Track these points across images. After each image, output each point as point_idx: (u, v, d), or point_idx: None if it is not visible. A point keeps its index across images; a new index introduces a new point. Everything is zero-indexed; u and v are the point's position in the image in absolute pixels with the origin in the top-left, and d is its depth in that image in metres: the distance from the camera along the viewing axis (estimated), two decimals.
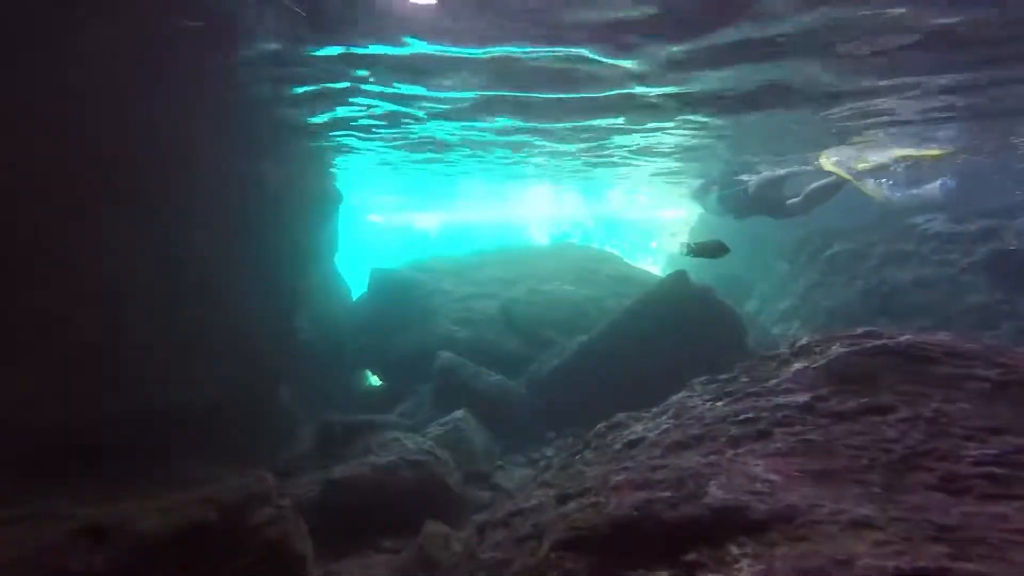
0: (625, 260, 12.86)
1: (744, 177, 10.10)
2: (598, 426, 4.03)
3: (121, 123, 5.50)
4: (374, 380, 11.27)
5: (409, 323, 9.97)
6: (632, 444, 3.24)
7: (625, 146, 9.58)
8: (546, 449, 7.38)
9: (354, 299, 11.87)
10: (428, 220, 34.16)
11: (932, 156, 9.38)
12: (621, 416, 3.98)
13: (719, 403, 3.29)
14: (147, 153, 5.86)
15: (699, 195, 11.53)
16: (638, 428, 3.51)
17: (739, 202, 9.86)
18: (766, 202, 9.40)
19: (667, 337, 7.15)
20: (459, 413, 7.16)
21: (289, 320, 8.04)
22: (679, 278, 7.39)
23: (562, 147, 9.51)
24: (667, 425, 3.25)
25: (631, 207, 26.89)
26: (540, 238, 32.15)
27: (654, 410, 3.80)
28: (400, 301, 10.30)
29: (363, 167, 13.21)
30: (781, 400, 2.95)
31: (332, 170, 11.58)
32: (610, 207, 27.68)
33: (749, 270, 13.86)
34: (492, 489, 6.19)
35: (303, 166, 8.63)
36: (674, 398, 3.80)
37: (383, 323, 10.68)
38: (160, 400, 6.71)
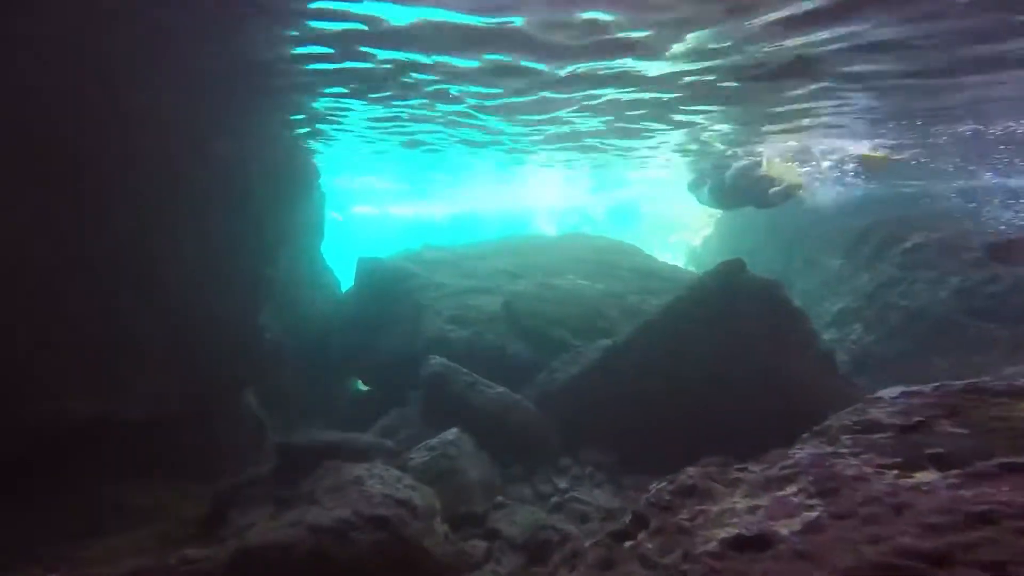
0: (646, 253, 11.40)
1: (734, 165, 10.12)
2: (657, 487, 2.63)
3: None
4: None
5: (398, 320, 8.62)
6: (740, 545, 1.81)
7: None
8: (559, 479, 5.98)
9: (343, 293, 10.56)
10: (428, 210, 32.75)
11: (880, 159, 9.32)
12: (693, 475, 2.60)
13: (931, 477, 1.83)
14: (59, 112, 4.57)
15: (694, 188, 11.67)
16: (737, 504, 2.09)
17: (723, 193, 10.13)
18: (746, 192, 9.53)
19: (718, 345, 5.71)
20: (451, 434, 5.79)
21: (251, 316, 6.71)
22: (734, 268, 5.92)
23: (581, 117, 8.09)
24: (816, 513, 1.83)
25: (648, 197, 25.35)
26: (548, 230, 30.68)
27: (753, 469, 2.39)
28: (388, 295, 8.94)
29: (354, 150, 11.87)
30: None
31: (309, 146, 10.16)
32: (625, 195, 26.17)
33: (784, 267, 12.33)
34: (488, 537, 4.82)
35: (267, 140, 7.26)
36: (800, 454, 2.37)
37: (369, 320, 9.33)
38: (83, 412, 5.44)
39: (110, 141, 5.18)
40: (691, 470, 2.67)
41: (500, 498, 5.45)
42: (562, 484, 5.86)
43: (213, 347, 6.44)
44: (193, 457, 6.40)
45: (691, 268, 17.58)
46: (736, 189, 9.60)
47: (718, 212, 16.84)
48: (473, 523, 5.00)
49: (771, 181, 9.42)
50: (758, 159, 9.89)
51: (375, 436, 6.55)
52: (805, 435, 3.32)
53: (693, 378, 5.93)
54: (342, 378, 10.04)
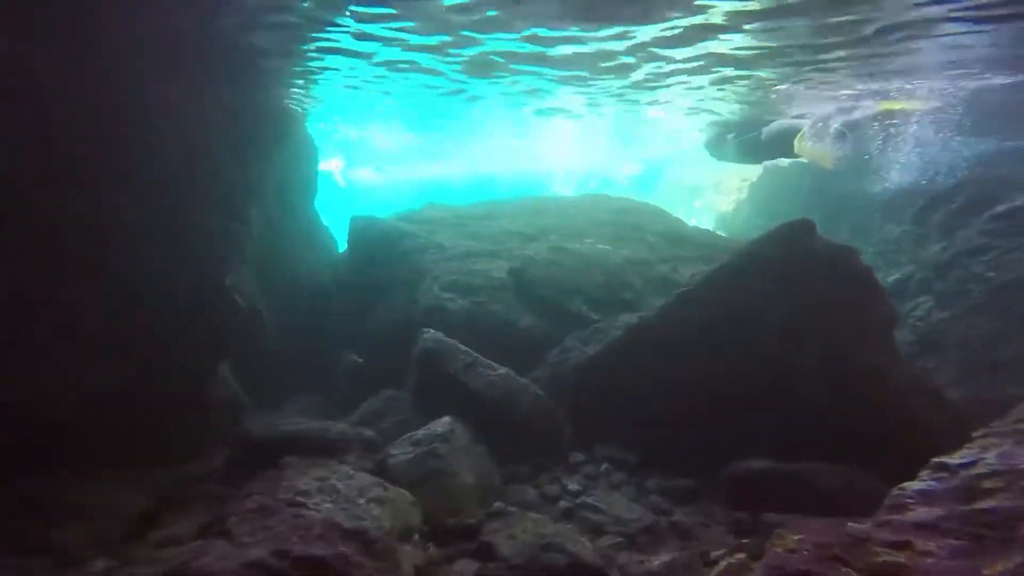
0: (675, 216, 10.07)
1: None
2: None
3: None
4: None
5: (392, 287, 7.60)
6: None
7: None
8: (569, 479, 5.01)
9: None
10: (441, 172, 31.38)
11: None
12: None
13: None
14: None
15: (714, 144, 11.48)
16: None
17: (756, 147, 10.19)
18: (782, 146, 9.53)
19: (774, 325, 4.54)
20: (441, 424, 4.83)
21: (215, 278, 5.73)
22: (801, 230, 4.66)
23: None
24: None
25: (673, 159, 23.55)
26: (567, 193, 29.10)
27: None
28: (382, 258, 7.90)
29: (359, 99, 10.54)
30: None
31: (285, 89, 8.87)
32: (648, 155, 24.40)
33: (832, 231, 10.89)
34: (480, 556, 3.88)
35: (225, 82, 6.02)
36: None
37: (363, 286, 8.34)
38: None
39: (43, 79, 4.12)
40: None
41: (498, 503, 4.50)
42: (573, 486, 4.89)
43: (167, 315, 5.51)
44: (156, 442, 5.59)
45: (721, 233, 16.17)
46: (773, 144, 9.57)
47: (752, 176, 15.27)
48: (464, 536, 4.07)
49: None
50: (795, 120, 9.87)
51: (356, 422, 5.64)
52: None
53: (738, 364, 4.81)
54: (340, 348, 9.17)
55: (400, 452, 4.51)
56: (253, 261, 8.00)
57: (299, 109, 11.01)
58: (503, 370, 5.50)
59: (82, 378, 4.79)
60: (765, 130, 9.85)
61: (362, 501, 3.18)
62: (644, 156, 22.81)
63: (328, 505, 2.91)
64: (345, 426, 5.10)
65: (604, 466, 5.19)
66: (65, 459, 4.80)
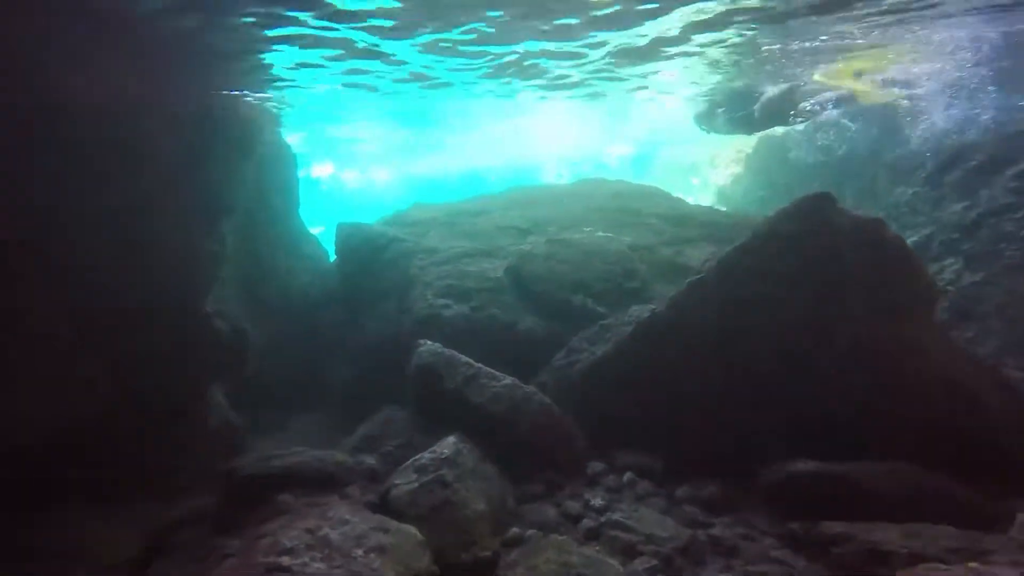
0: (674, 196, 9.60)
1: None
2: None
3: None
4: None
5: (383, 296, 7.15)
6: None
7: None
8: (591, 493, 4.60)
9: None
10: (428, 166, 30.78)
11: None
12: None
13: None
14: None
15: (704, 118, 11.37)
16: None
17: (750, 122, 10.18)
18: (777, 115, 9.65)
19: (801, 311, 4.11)
20: (447, 446, 4.42)
21: (193, 303, 5.29)
22: (821, 204, 4.20)
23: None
24: None
25: (664, 141, 23.04)
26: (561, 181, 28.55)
27: None
28: (370, 266, 7.45)
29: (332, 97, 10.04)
30: None
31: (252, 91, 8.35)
32: (639, 138, 23.92)
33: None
34: None
35: (182, 89, 5.52)
36: None
37: (352, 296, 7.91)
38: None
39: None
40: None
41: (515, 529, 4.11)
42: (596, 500, 4.49)
43: (146, 343, 5.08)
44: (145, 473, 5.20)
45: (721, 208, 15.71)
46: (768, 115, 9.56)
47: (748, 146, 14.79)
48: (479, 571, 3.69)
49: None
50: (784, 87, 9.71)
51: (357, 447, 5.22)
52: None
53: (763, 355, 4.39)
54: (335, 362, 8.74)
55: (404, 482, 4.09)
56: (235, 279, 7.56)
57: (273, 112, 10.51)
58: (507, 380, 5.07)
59: (57, 405, 4.38)
60: (759, 105, 9.68)
61: (360, 553, 2.77)
62: (636, 137, 22.28)
63: (318, 566, 2.49)
64: (344, 456, 4.68)
65: (627, 475, 4.78)
66: (48, 493, 4.41)
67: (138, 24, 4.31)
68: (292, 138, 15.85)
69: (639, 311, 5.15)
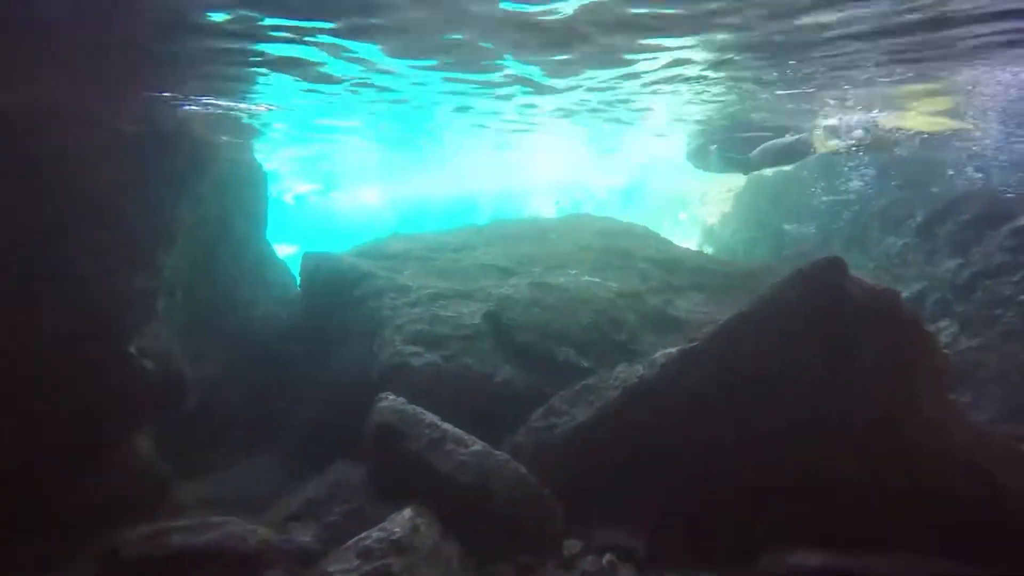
0: (663, 236, 9.38)
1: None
2: None
3: None
4: None
5: (349, 337, 6.64)
6: None
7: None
8: None
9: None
10: (414, 188, 30.54)
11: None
12: None
13: None
14: None
15: (697, 155, 11.11)
16: None
17: (746, 164, 9.75)
18: (778, 163, 9.45)
19: (808, 383, 3.75)
20: (399, 524, 3.90)
21: (116, 344, 4.71)
22: (832, 273, 3.87)
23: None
24: None
25: (654, 172, 23.22)
26: (547, 212, 28.50)
27: None
28: (338, 303, 6.95)
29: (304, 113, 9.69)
30: None
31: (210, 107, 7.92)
32: (629, 169, 24.09)
33: (820, 247, 10.38)
34: None
35: (112, 103, 5.06)
36: None
37: (317, 334, 7.37)
38: None
39: None
40: None
41: None
42: None
43: (54, 390, 4.49)
44: (40, 535, 4.50)
45: (707, 248, 15.60)
46: (767, 160, 9.16)
47: (738, 185, 14.83)
48: None
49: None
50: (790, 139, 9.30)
51: (297, 511, 4.64)
52: None
53: (765, 432, 4.00)
54: (295, 401, 8.11)
55: (341, 569, 3.54)
56: (185, 310, 6.98)
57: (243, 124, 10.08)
58: (477, 446, 4.58)
59: None
60: (760, 150, 9.20)
61: None
62: (626, 169, 22.43)
63: None
64: (268, 532, 4.09)
65: (607, 557, 4.30)
66: None
67: (67, 25, 3.88)
68: (267, 152, 15.43)
69: (626, 373, 4.75)
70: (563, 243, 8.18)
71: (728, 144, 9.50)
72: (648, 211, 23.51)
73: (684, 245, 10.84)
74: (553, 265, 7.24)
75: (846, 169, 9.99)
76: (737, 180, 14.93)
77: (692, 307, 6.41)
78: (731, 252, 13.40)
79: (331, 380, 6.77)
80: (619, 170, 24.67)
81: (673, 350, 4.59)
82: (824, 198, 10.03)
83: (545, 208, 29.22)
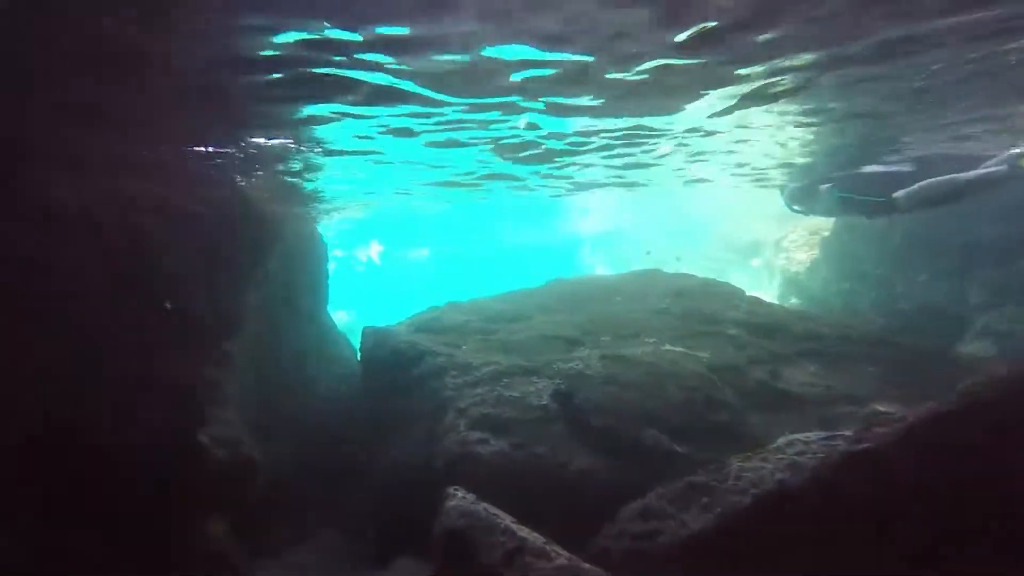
0: (752, 296, 8.56)
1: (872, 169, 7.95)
2: None
3: None
4: None
5: (409, 420, 6.30)
6: None
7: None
8: None
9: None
10: (463, 246, 31.29)
11: None
12: None
13: None
14: None
15: (801, 197, 9.13)
16: None
17: (883, 208, 7.44)
18: (933, 204, 6.92)
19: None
20: None
21: (186, 438, 4.61)
22: None
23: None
24: None
25: (718, 216, 22.42)
26: (600, 267, 28.07)
27: None
28: (398, 382, 6.69)
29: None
30: None
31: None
32: (685, 216, 23.44)
33: (951, 299, 9.05)
34: None
35: (181, 181, 5.28)
36: None
37: (377, 414, 7.11)
38: None
39: None
40: None
41: None
42: None
43: (127, 485, 4.39)
44: None
45: (792, 301, 14.35)
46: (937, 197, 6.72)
47: (823, 228, 13.72)
48: None
49: None
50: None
51: None
52: None
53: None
54: (358, 482, 7.82)
55: None
56: (249, 392, 7.01)
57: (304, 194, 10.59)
58: (562, 559, 3.91)
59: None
60: (916, 189, 6.82)
61: None
62: (687, 213, 21.76)
63: None
64: None
65: None
66: None
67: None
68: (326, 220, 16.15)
69: (753, 473, 3.99)
70: (633, 306, 7.63)
71: (847, 183, 7.73)
72: (713, 258, 22.46)
73: (763, 297, 9.84)
74: (625, 333, 6.67)
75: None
76: (822, 222, 13.87)
77: (806, 379, 5.58)
78: (823, 305, 12.18)
79: (394, 464, 6.42)
80: (680, 214, 24.03)
81: (811, 439, 3.84)
82: (960, 239, 8.74)
83: (598, 264, 28.75)
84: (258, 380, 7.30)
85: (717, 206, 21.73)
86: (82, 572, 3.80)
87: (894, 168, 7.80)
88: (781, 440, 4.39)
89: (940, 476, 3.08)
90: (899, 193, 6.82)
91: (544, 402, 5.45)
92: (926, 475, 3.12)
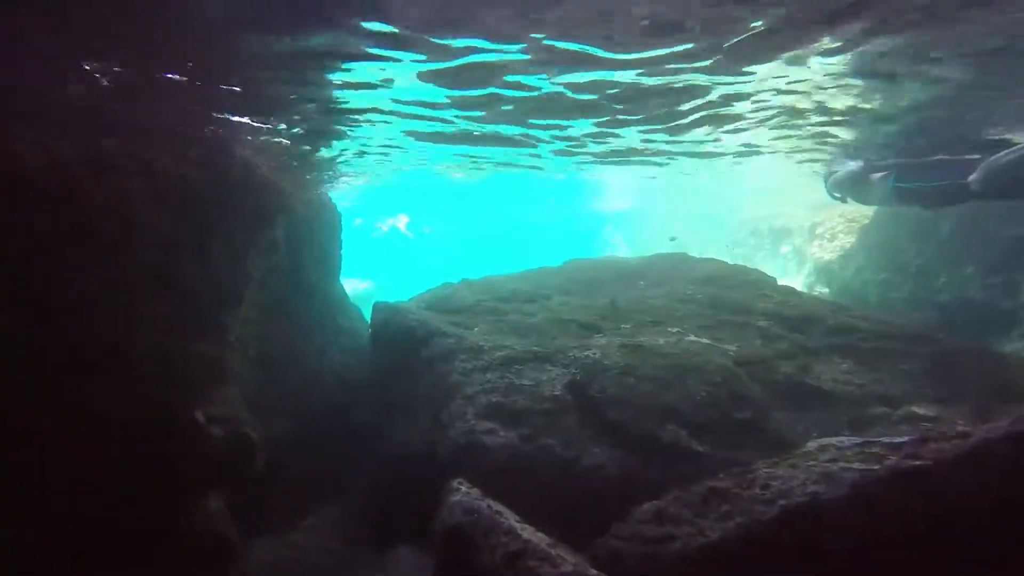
0: (783, 285, 8.06)
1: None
2: None
3: None
4: None
5: (415, 403, 6.11)
6: None
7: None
8: None
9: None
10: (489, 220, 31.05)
11: None
12: None
13: None
14: None
15: (851, 184, 8.24)
16: None
17: (954, 195, 6.48)
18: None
19: None
20: None
21: (184, 417, 4.48)
22: None
23: None
24: None
25: (752, 199, 21.56)
26: (621, 248, 27.44)
27: None
28: (406, 362, 6.48)
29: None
30: None
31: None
32: (711, 198, 22.65)
33: (991, 295, 8.43)
34: None
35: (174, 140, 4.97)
36: None
37: (384, 393, 6.94)
38: None
39: None
40: None
41: None
42: None
43: (117, 462, 4.29)
44: None
45: (821, 290, 13.73)
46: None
47: (861, 215, 12.98)
48: None
49: None
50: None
51: None
52: None
53: None
54: (365, 458, 7.75)
55: None
56: (251, 369, 6.89)
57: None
58: (568, 566, 3.68)
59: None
60: (996, 169, 5.82)
61: None
62: (717, 195, 20.96)
63: None
64: None
65: None
66: None
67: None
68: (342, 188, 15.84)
69: (781, 481, 3.65)
70: (656, 292, 7.24)
71: (906, 171, 6.93)
72: (742, 244, 21.66)
73: (790, 284, 9.28)
74: (647, 321, 6.31)
75: None
76: (860, 209, 13.11)
77: (839, 376, 5.18)
78: (855, 296, 11.58)
79: (398, 448, 6.27)
80: (708, 197, 23.19)
81: (844, 444, 3.49)
82: (1013, 231, 8.11)
83: (620, 243, 28.13)
84: (260, 354, 7.16)
85: (747, 189, 20.84)
86: (72, 549, 3.71)
87: (962, 156, 6.95)
88: (812, 444, 4.04)
89: (1009, 504, 2.71)
90: (975, 175, 5.92)
91: (557, 392, 5.16)
92: (992, 501, 2.75)
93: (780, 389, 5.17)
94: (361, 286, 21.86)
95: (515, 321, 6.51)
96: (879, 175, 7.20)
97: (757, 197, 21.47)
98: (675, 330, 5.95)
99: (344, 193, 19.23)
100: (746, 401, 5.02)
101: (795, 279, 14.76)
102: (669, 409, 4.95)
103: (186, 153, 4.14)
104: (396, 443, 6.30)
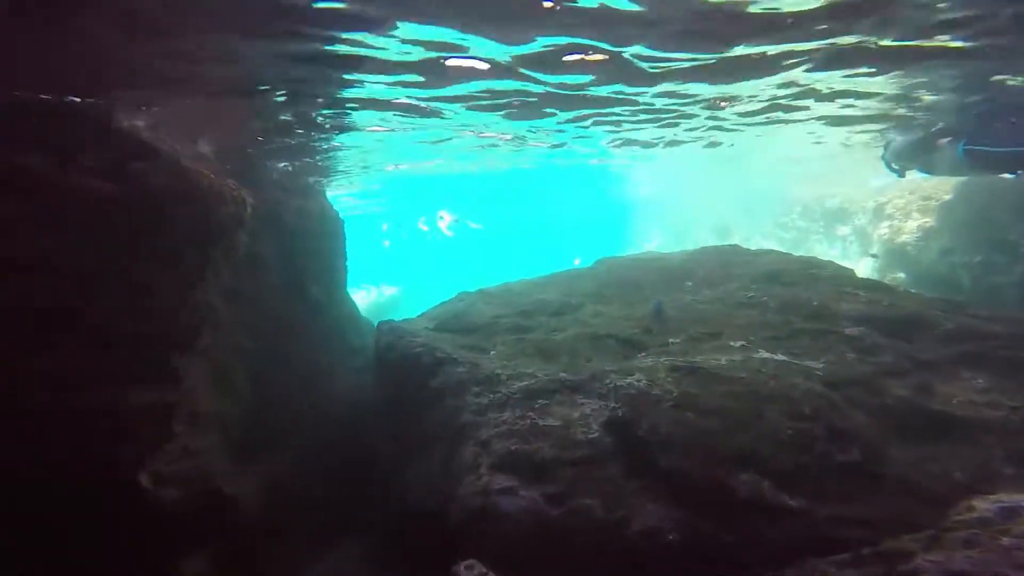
0: (857, 275, 6.67)
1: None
2: None
3: None
4: None
5: (427, 442, 5.13)
6: None
7: None
8: None
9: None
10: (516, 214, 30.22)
11: None
12: None
13: None
14: None
15: (913, 152, 7.74)
16: None
17: None
18: None
19: None
20: None
21: (128, 471, 3.66)
22: None
23: None
24: None
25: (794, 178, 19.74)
26: (656, 240, 25.84)
27: None
28: (411, 394, 5.52)
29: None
30: None
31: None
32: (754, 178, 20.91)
33: None
34: None
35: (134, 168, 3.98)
36: None
37: (394, 424, 6.04)
38: None
39: None
40: None
41: None
42: None
43: (65, 536, 3.50)
44: None
45: (897, 276, 12.03)
46: None
47: (939, 191, 11.23)
48: None
49: None
50: None
51: None
52: None
53: None
54: (380, 487, 6.91)
55: None
56: (241, 401, 6.12)
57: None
58: None
59: None
60: None
61: None
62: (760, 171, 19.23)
63: None
64: None
65: None
66: None
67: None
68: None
69: (936, 569, 2.47)
70: (710, 295, 6.02)
71: (981, 134, 6.10)
72: (790, 227, 19.78)
73: (855, 269, 7.84)
74: (701, 333, 5.12)
75: None
76: (934, 184, 11.37)
77: (975, 397, 3.90)
78: (941, 282, 9.94)
79: (410, 493, 5.33)
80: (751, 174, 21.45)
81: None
82: None
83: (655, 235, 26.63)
84: (257, 383, 6.42)
85: (794, 167, 19.01)
86: None
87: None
88: (985, 506, 2.83)
89: None
90: None
91: (594, 434, 4.07)
92: None
93: (894, 418, 3.91)
94: (388, 292, 21.24)
95: (539, 340, 5.45)
96: (946, 139, 6.39)
97: (807, 176, 19.60)
98: (738, 344, 4.74)
99: (373, 191, 18.44)
100: (849, 437, 3.80)
101: (860, 264, 13.07)
102: (744, 452, 3.79)
103: (83, 157, 3.22)
104: (409, 485, 5.37)
